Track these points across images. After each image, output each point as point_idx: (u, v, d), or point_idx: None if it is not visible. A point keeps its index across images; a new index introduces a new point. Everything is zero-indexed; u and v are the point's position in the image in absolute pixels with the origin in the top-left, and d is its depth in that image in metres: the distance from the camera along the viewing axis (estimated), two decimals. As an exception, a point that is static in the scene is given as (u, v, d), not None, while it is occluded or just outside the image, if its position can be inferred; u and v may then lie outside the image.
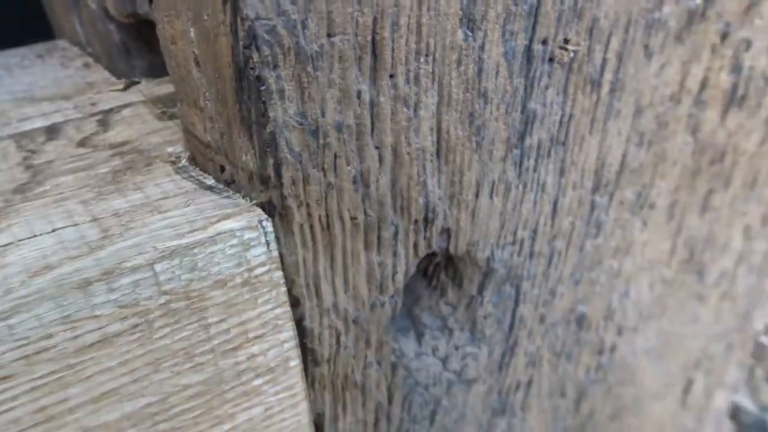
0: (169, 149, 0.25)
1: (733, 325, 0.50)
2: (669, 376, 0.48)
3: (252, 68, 0.18)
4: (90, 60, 0.33)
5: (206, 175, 0.23)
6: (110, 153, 0.25)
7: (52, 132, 0.27)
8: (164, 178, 0.23)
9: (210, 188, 0.22)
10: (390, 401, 0.29)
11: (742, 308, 0.50)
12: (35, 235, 0.20)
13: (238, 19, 0.17)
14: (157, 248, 0.20)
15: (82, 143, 0.25)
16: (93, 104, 0.28)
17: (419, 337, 0.31)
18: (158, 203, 0.22)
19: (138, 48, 0.30)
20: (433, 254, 0.30)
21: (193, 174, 0.23)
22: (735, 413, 0.66)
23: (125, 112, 0.28)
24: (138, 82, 0.30)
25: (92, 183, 0.23)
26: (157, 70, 0.31)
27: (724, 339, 0.51)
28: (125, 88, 0.29)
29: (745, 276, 0.46)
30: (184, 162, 0.24)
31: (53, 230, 0.20)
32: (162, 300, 0.20)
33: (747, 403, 0.65)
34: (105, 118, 0.27)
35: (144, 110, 0.28)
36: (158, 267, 0.19)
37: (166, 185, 0.22)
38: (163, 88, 0.29)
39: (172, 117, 0.27)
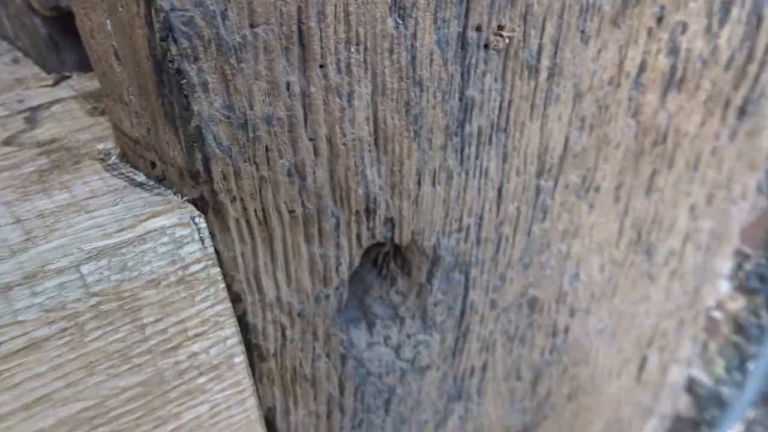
0: (99, 146, 0.24)
1: (683, 302, 0.51)
2: (623, 354, 0.49)
3: (171, 61, 0.17)
4: (20, 55, 0.32)
5: (137, 171, 0.23)
6: (37, 151, 0.24)
7: (-22, 132, 0.26)
8: (93, 176, 0.22)
9: (140, 185, 0.22)
10: (342, 392, 0.29)
11: (691, 285, 0.51)
12: (-45, 240, 0.19)
13: (152, 11, 0.16)
14: (83, 249, 0.19)
15: (7, 142, 0.24)
16: (20, 101, 0.27)
17: (370, 327, 0.31)
18: (85, 202, 0.21)
19: (66, 41, 0.29)
20: (381, 244, 0.30)
21: (123, 171, 0.23)
22: (691, 386, 0.68)
23: (54, 108, 0.27)
24: (69, 77, 0.29)
25: (16, 183, 0.22)
26: (88, 63, 0.29)
27: (675, 316, 0.52)
28: (55, 84, 0.28)
29: (692, 254, 0.47)
30: (114, 159, 0.23)
31: (-26, 234, 0.20)
32: (91, 302, 0.19)
33: (702, 376, 0.67)
34: (32, 115, 0.26)
35: (74, 106, 0.27)
36: (85, 268, 0.19)
37: (94, 183, 0.22)
38: (95, 82, 0.29)
39: (103, 112, 0.26)
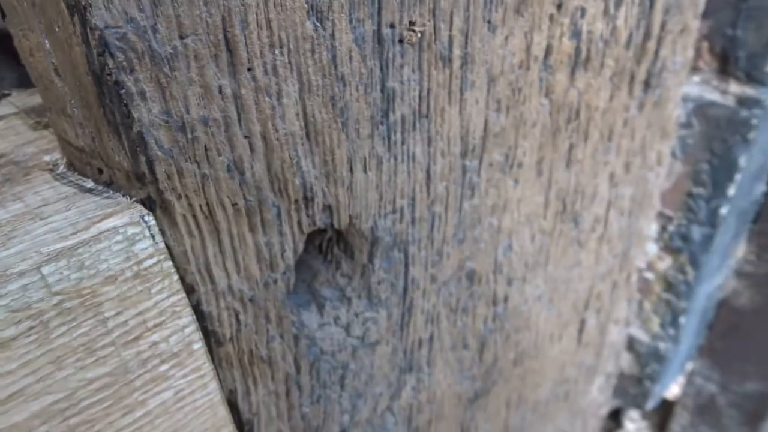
0: (46, 158, 0.25)
1: (613, 264, 0.55)
2: (562, 318, 0.53)
3: (109, 74, 0.19)
4: (-43, 78, 0.33)
5: (85, 178, 0.24)
6: (-13, 168, 0.25)
7: (-76, 155, 0.27)
8: (43, 185, 0.24)
9: (90, 191, 0.23)
10: (298, 371, 0.31)
11: (619, 249, 0.55)
12: None
13: (88, 29, 0.18)
14: (42, 252, 0.21)
15: (-44, 162, 0.26)
16: (-36, 122, 0.28)
17: (320, 309, 0.34)
18: (39, 210, 0.22)
19: (4, 60, 0.30)
20: (323, 231, 0.33)
21: (72, 179, 0.24)
22: (631, 345, 0.73)
23: (-1, 126, 0.28)
24: (8, 94, 0.30)
25: (-29, 199, 0.23)
26: (28, 80, 0.31)
27: (607, 278, 0.56)
28: (-4, 103, 0.29)
29: (616, 219, 0.51)
30: (62, 168, 0.25)
31: (-66, 248, 0.21)
32: (54, 301, 0.21)
33: (640, 334, 0.72)
34: (-22, 135, 0.27)
35: (17, 122, 0.28)
36: (45, 269, 0.20)
37: (45, 192, 0.23)
38: (36, 98, 0.30)
39: (46, 126, 0.27)
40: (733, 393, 0.81)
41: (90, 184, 0.24)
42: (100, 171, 0.24)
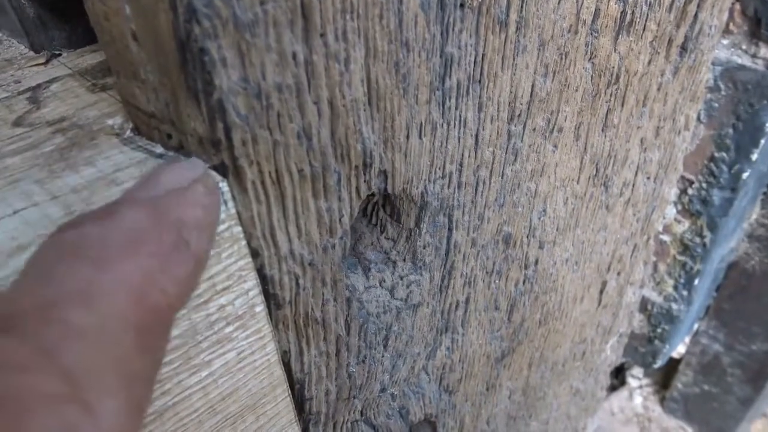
0: (110, 121, 0.25)
1: (636, 228, 0.56)
2: (586, 280, 0.54)
3: (195, 41, 0.19)
4: (2, 35, 0.32)
5: (153, 143, 0.24)
6: (51, 130, 0.25)
7: (-20, 115, 0.26)
8: (112, 150, 0.24)
9: (160, 156, 0.24)
10: (348, 332, 0.32)
11: (643, 213, 0.56)
12: (-3, 219, 0.21)
13: (178, -3, 0.18)
14: (124, 218, 0.21)
15: (17, 123, 0.25)
16: (17, 81, 0.28)
17: (366, 272, 0.34)
18: (113, 176, 0.23)
19: (53, 19, 0.29)
20: (372, 195, 0.33)
21: (140, 144, 0.24)
22: (644, 305, 0.74)
23: (54, 87, 0.28)
24: (59, 54, 0.30)
25: (41, 162, 0.23)
26: (77, 39, 0.30)
27: (630, 242, 0.57)
28: (47, 62, 0.29)
29: (643, 184, 0.52)
30: (128, 133, 0.24)
31: (14, 212, 0.21)
32: (134, 265, 0.21)
33: (653, 296, 0.73)
34: (34, 95, 0.27)
35: (73, 84, 0.28)
36: (128, 235, 0.21)
37: (116, 157, 0.23)
38: (87, 59, 0.29)
39: (103, 88, 0.27)
40: (738, 353, 0.84)
41: (159, 149, 0.24)
42: (169, 136, 0.24)
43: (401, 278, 0.35)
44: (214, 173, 0.22)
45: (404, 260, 0.35)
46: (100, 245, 0.17)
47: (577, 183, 0.44)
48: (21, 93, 0.27)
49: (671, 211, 0.67)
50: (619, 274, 0.59)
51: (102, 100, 0.27)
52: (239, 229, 0.24)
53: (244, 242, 0.24)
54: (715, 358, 0.86)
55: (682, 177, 0.64)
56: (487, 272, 0.41)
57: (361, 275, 0.34)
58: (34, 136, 0.25)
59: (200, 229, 0.20)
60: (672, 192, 0.65)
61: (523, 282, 0.45)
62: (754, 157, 0.58)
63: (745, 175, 0.60)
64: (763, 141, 0.57)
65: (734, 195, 0.62)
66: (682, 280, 0.70)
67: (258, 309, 0.27)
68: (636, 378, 1.03)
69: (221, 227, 0.23)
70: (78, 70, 0.29)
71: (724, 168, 0.61)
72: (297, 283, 0.28)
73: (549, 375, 0.59)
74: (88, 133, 0.25)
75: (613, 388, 1.05)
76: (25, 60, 0.30)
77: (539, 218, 0.42)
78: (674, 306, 0.72)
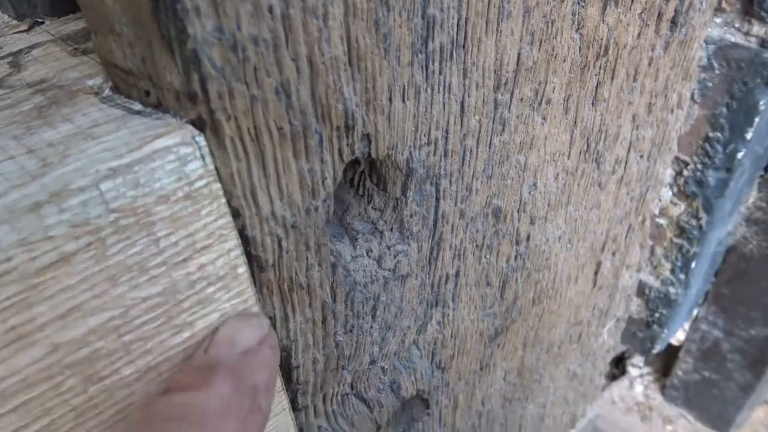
0: (90, 82, 0.25)
1: (630, 207, 0.56)
2: (580, 259, 0.53)
3: (167, -14, 0.19)
4: (-15, 6, 0.32)
5: (132, 101, 0.24)
6: (30, 91, 0.25)
7: (-38, 81, 0.27)
8: (91, 108, 0.24)
9: (138, 113, 0.24)
10: (334, 299, 0.32)
11: (637, 192, 0.55)
12: (-27, 173, 0.21)
13: (149, -62, 0.18)
14: (99, 170, 0.21)
15: (-2, 86, 0.25)
16: None
17: (353, 241, 0.34)
18: (90, 131, 0.23)
19: (37, -12, 0.29)
20: (357, 162, 0.33)
21: (119, 102, 0.24)
22: (641, 290, 0.74)
23: (35, 52, 0.28)
24: (42, 22, 0.30)
25: (19, 119, 0.23)
26: (59, 8, 0.30)
27: (624, 222, 0.57)
28: (29, 29, 0.29)
29: (636, 162, 0.52)
30: (107, 92, 0.24)
31: (-10, 166, 0.21)
32: (111, 218, 0.21)
33: (651, 280, 0.73)
34: (15, 60, 0.27)
35: (55, 48, 0.28)
36: (103, 186, 0.21)
37: (94, 114, 0.23)
38: (70, 26, 0.29)
39: (85, 52, 0.27)
40: (738, 338, 0.83)
41: (138, 106, 0.24)
42: (147, 93, 0.24)
43: (388, 248, 0.35)
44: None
45: (391, 230, 0.35)
46: (200, 411, 0.22)
47: (568, 158, 0.44)
48: (2, 58, 0.27)
49: (667, 194, 0.67)
50: (614, 254, 0.59)
51: (83, 63, 0.27)
52: (218, 186, 0.24)
53: (224, 200, 0.24)
54: (715, 345, 0.86)
55: (678, 158, 0.64)
56: (477, 246, 0.41)
57: (347, 244, 0.34)
58: (13, 96, 0.25)
59: (268, 390, 0.25)
60: (667, 173, 0.64)
61: (515, 258, 0.45)
62: (749, 136, 0.58)
63: (740, 155, 0.60)
64: (757, 119, 0.57)
65: (729, 175, 0.62)
66: (678, 264, 0.70)
67: (240, 270, 0.27)
68: (636, 367, 1.03)
69: (200, 183, 0.23)
70: (60, 36, 0.29)
71: (719, 148, 0.60)
72: (280, 246, 0.28)
73: (545, 357, 0.59)
74: (67, 93, 0.25)
75: (613, 378, 1.04)
76: (8, 28, 0.30)
77: (530, 192, 0.42)
78: (671, 290, 0.71)
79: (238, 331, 0.26)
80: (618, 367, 1.06)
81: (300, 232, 0.28)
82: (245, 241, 0.27)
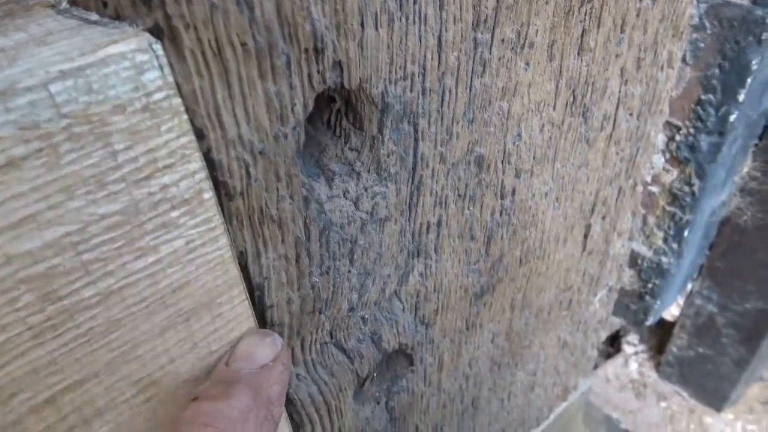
0: (49, -3, 0.25)
1: (620, 168, 0.55)
2: (568, 220, 0.53)
3: None
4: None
5: (89, 12, 0.23)
6: (-13, 7, 0.24)
7: None
8: (46, 19, 0.23)
9: (95, 22, 0.23)
10: (308, 237, 0.31)
11: (627, 152, 0.55)
12: None
13: None
14: (49, 71, 0.20)
15: (-45, 3, 0.25)
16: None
17: (329, 182, 0.33)
18: (44, 39, 0.22)
19: None
20: (333, 100, 0.32)
21: (75, 13, 0.23)
22: (633, 260, 0.73)
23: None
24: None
25: (-28, 30, 0.23)
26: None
27: (614, 183, 0.56)
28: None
29: (625, 119, 0.51)
30: (64, 5, 0.24)
31: (-61, 70, 0.20)
32: (63, 123, 0.21)
33: (643, 250, 0.72)
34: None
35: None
36: (53, 88, 0.20)
37: (49, 24, 0.23)
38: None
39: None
40: (732, 312, 0.83)
41: (94, 17, 0.23)
42: (105, 4, 0.23)
43: (366, 189, 0.34)
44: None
45: (369, 171, 0.34)
46: (224, 419, 0.25)
47: (554, 109, 0.43)
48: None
49: (659, 161, 0.66)
50: (604, 218, 0.58)
51: (43, -19, 0.26)
52: (179, 101, 0.23)
53: (185, 117, 0.24)
54: (710, 319, 0.85)
55: (669, 123, 0.63)
56: (459, 195, 0.40)
57: (323, 184, 0.33)
58: (-31, 11, 0.24)
59: (279, 401, 0.29)
60: (659, 139, 0.64)
61: (500, 213, 0.45)
62: (741, 97, 0.57)
63: (732, 118, 0.59)
64: (749, 80, 0.56)
65: (722, 139, 0.61)
66: (671, 232, 0.69)
67: (206, 196, 0.26)
68: (631, 345, 1.02)
69: (158, 95, 0.23)
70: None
71: (711, 111, 0.60)
72: (248, 173, 0.27)
73: (534, 322, 0.58)
74: (23, 6, 0.24)
75: (608, 356, 1.04)
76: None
77: (514, 143, 0.42)
78: (664, 259, 0.71)
79: (255, 347, 0.29)
80: (613, 345, 1.05)
81: (269, 159, 0.28)
82: (211, 165, 0.26)
